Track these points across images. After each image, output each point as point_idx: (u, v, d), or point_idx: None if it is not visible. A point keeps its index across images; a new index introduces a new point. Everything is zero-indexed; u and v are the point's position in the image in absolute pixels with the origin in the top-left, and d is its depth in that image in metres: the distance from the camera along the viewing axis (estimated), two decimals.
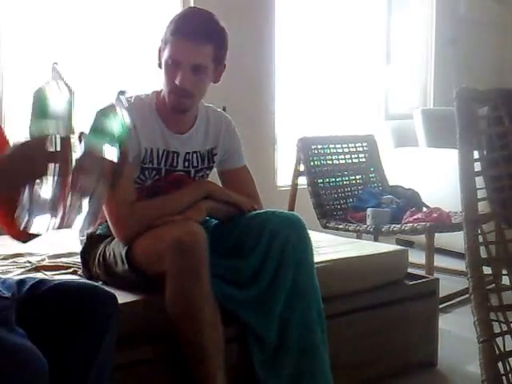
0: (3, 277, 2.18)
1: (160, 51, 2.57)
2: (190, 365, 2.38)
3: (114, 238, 2.61)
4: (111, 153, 1.71)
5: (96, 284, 2.19)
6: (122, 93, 1.78)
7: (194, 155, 2.73)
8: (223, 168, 2.83)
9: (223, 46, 2.59)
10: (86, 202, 1.67)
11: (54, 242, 3.15)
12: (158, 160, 2.64)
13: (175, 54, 2.50)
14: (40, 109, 1.65)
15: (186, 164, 2.71)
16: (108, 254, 2.60)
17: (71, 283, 2.19)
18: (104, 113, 1.74)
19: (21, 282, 2.08)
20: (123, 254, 2.51)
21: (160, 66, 2.58)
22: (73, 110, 1.67)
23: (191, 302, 2.33)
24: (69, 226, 1.66)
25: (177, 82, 2.51)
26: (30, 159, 1.65)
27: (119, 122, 1.74)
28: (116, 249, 2.56)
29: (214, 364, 2.36)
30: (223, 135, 2.79)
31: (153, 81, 2.68)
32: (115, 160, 1.72)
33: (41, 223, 1.65)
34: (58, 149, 1.64)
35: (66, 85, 1.67)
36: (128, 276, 2.52)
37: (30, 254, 3.03)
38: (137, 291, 2.47)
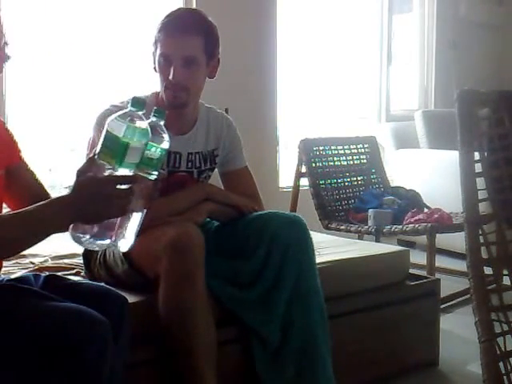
0: (15, 276, 2.22)
1: (153, 55, 2.58)
2: (181, 370, 2.35)
3: None
4: (152, 177, 1.82)
5: (108, 287, 2.20)
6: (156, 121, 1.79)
7: (197, 156, 2.73)
8: (224, 169, 2.83)
9: (213, 38, 2.58)
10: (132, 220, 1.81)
11: (57, 243, 3.14)
12: None
13: (165, 49, 2.52)
14: (118, 152, 1.70)
15: (189, 165, 2.71)
16: (108, 256, 2.60)
17: (84, 284, 2.22)
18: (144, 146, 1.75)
19: (35, 276, 2.13)
20: (121, 254, 2.51)
21: (155, 69, 2.59)
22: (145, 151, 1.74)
23: (184, 303, 2.30)
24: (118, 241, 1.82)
25: (170, 77, 2.51)
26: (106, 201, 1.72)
27: (158, 150, 1.79)
28: (116, 250, 2.56)
29: (204, 368, 2.32)
30: (224, 136, 2.79)
31: (152, 82, 2.67)
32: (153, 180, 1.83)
33: (99, 243, 1.79)
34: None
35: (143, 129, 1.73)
36: (129, 277, 2.52)
37: (33, 255, 3.03)
38: (138, 292, 2.46)
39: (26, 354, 1.76)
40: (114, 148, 1.70)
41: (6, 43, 2.01)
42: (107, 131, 1.71)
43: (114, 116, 1.72)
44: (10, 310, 1.82)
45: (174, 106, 2.57)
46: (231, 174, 2.83)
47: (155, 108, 1.83)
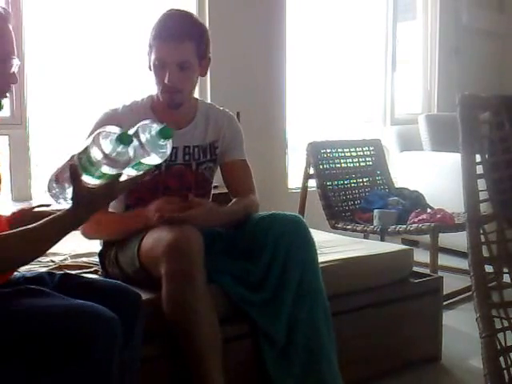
0: (29, 273, 2.22)
1: (148, 55, 2.63)
2: (187, 365, 2.34)
3: (124, 240, 2.62)
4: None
5: (123, 284, 2.20)
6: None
7: (196, 149, 2.75)
8: (223, 160, 2.83)
9: (203, 41, 2.63)
10: None
11: (75, 242, 3.15)
12: None
13: (160, 56, 2.57)
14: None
15: (187, 158, 2.73)
16: (121, 256, 2.61)
17: (99, 282, 2.22)
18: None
19: (50, 274, 2.13)
20: (135, 252, 2.52)
21: (150, 68, 2.64)
22: None
23: (185, 304, 2.30)
24: None
25: (166, 80, 2.58)
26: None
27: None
28: (127, 250, 2.57)
29: (209, 365, 2.31)
30: (225, 129, 2.81)
31: (148, 83, 2.72)
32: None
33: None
34: None
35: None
36: (139, 276, 2.52)
37: (54, 254, 3.03)
38: (152, 289, 2.44)
39: (33, 352, 1.75)
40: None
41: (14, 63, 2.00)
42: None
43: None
44: (16, 310, 1.82)
45: (172, 106, 2.66)
46: (229, 165, 2.83)
47: (163, 127, 1.87)
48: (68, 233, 1.88)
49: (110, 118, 2.60)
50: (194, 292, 2.30)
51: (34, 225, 1.83)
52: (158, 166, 2.63)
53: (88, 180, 1.82)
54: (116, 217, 2.71)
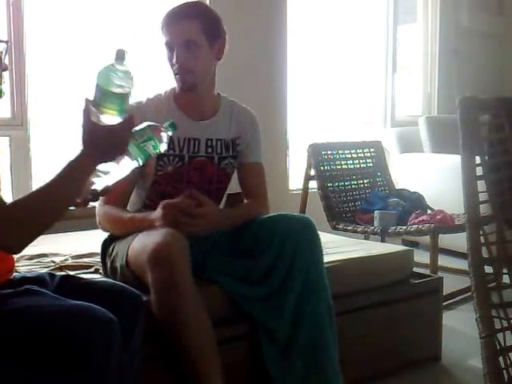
0: (30, 274, 2.21)
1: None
2: (182, 366, 2.33)
3: (120, 238, 2.62)
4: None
5: (123, 285, 2.20)
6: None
7: (219, 142, 2.74)
8: (241, 160, 2.83)
9: (211, 20, 2.63)
10: None
11: (77, 243, 3.16)
12: (180, 147, 2.65)
13: (166, 38, 2.59)
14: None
15: (210, 150, 2.71)
16: (115, 255, 2.61)
17: (100, 283, 2.22)
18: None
19: (51, 275, 2.13)
20: (123, 262, 2.52)
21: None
22: None
23: (171, 309, 2.27)
24: None
25: (174, 61, 2.58)
26: None
27: (155, 148, 1.98)
28: (119, 251, 2.57)
29: (205, 365, 2.30)
30: (247, 128, 2.81)
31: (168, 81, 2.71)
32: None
33: None
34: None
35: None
36: (129, 277, 2.50)
37: (54, 254, 3.03)
38: (148, 291, 2.42)
39: (30, 353, 1.74)
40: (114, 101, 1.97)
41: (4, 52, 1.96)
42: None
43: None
44: (13, 311, 1.80)
45: (185, 88, 2.63)
46: (246, 167, 2.84)
47: (170, 121, 2.02)
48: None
49: (134, 111, 2.54)
50: (178, 299, 2.27)
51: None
52: (181, 158, 2.65)
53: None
54: (130, 219, 2.66)
